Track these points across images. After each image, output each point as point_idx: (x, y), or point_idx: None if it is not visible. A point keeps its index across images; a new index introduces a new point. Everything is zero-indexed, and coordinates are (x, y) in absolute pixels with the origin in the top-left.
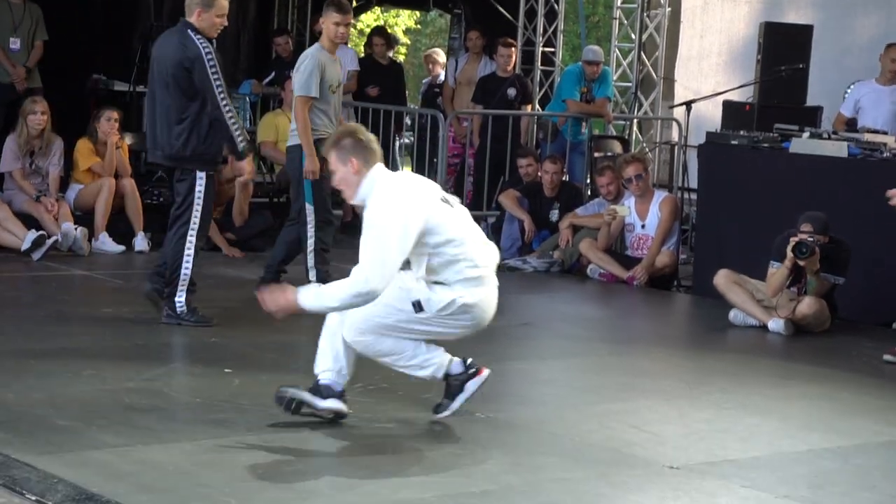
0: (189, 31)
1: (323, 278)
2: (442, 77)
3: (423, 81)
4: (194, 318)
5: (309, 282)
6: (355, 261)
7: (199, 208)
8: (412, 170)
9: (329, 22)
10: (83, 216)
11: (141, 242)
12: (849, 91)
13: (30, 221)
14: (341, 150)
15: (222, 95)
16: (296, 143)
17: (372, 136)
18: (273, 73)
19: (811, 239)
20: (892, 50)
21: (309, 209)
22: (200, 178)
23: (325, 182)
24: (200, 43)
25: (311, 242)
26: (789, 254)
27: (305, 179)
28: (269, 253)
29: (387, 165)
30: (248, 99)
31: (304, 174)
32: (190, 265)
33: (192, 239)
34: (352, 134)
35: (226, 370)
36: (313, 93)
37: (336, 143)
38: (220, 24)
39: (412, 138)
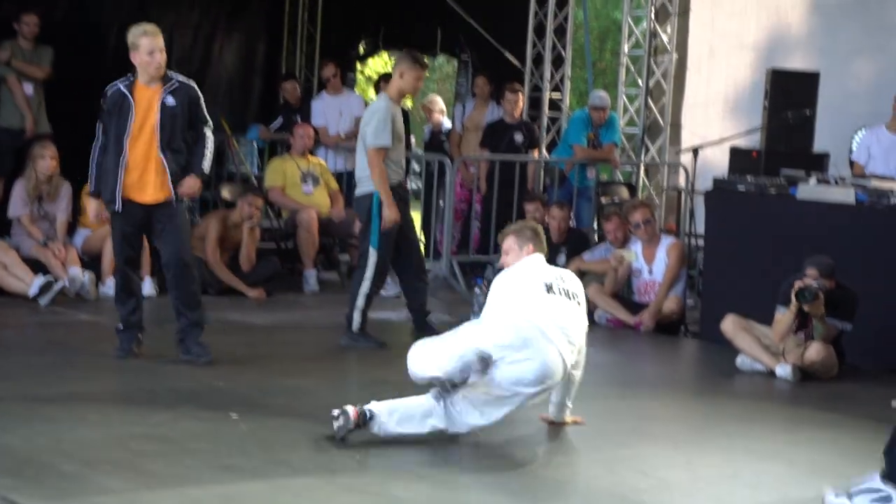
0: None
1: (364, 322)
2: (445, 124)
3: (425, 128)
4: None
5: (354, 322)
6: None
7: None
8: (421, 214)
9: (410, 76)
10: (90, 261)
11: (148, 287)
12: (857, 138)
13: (37, 267)
14: (521, 236)
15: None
16: (365, 191)
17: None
18: (280, 119)
19: (815, 284)
20: None
21: (372, 253)
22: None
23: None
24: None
25: (366, 286)
26: (793, 299)
27: (374, 225)
28: (274, 298)
29: None
30: (255, 144)
31: (383, 222)
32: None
33: None
34: (534, 227)
35: (232, 415)
36: (388, 143)
37: (519, 230)
38: (152, 61)
39: (420, 184)
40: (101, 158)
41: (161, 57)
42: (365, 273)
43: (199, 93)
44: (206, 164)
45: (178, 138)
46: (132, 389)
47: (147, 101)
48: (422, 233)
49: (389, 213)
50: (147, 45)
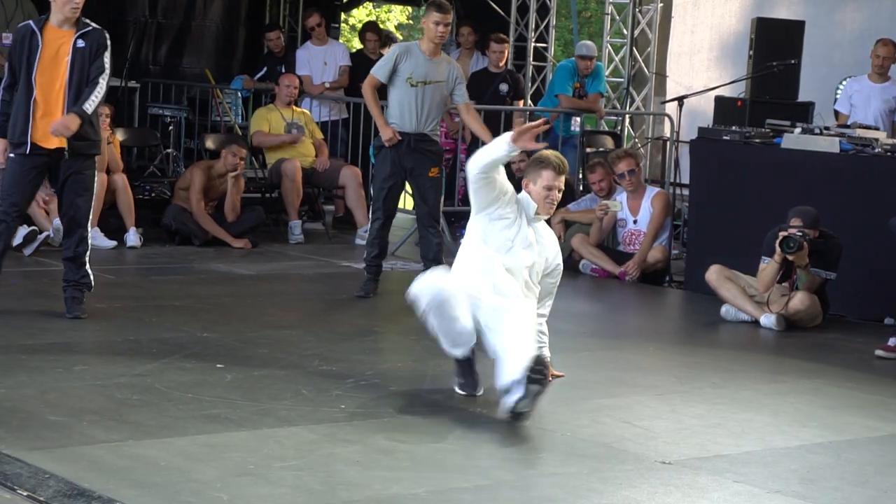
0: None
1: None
2: None
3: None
4: None
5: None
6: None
7: None
8: None
9: (429, 21)
10: None
11: (133, 238)
12: (841, 88)
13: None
14: None
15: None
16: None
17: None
18: (265, 69)
19: (799, 233)
20: (878, 45)
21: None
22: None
23: None
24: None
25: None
26: (777, 249)
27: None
28: (259, 248)
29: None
30: (239, 94)
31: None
32: None
33: None
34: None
35: (217, 365)
36: (378, 76)
37: None
38: (65, 3)
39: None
40: (6, 97)
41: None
42: None
43: (109, 42)
44: (89, 106)
45: (82, 83)
46: (117, 340)
47: (57, 43)
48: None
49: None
50: None
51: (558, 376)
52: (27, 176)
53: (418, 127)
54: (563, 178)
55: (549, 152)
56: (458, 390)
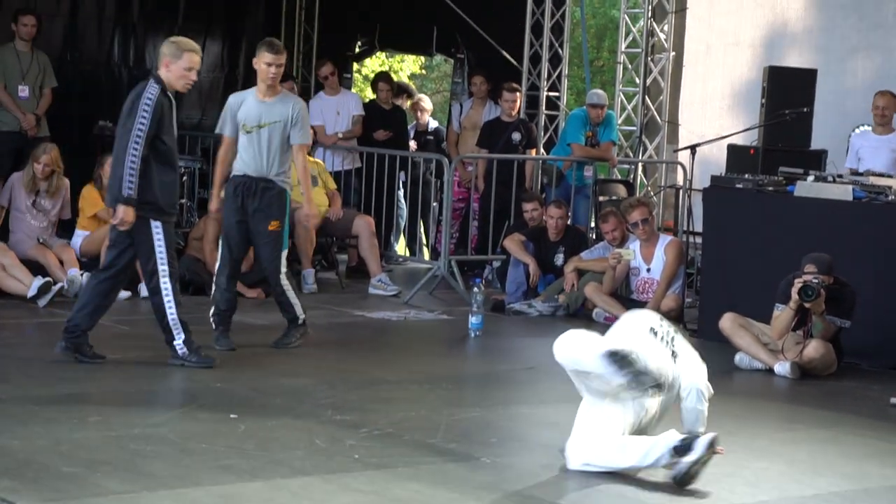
0: (153, 80)
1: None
2: (431, 123)
3: (409, 127)
4: (195, 359)
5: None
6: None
7: (163, 255)
8: (407, 212)
9: (261, 62)
10: (89, 262)
11: (147, 288)
12: (851, 140)
13: (36, 268)
14: None
15: (137, 136)
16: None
17: None
18: None
19: (816, 280)
20: (877, 97)
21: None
22: (156, 228)
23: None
24: (150, 88)
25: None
26: (794, 296)
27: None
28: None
29: (390, 208)
30: None
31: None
32: (173, 309)
33: (166, 284)
34: None
35: (231, 415)
36: (224, 132)
37: None
38: (188, 77)
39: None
40: (144, 165)
41: (196, 75)
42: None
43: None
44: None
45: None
46: (131, 390)
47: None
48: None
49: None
50: (189, 60)
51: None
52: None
53: (262, 171)
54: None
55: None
56: None
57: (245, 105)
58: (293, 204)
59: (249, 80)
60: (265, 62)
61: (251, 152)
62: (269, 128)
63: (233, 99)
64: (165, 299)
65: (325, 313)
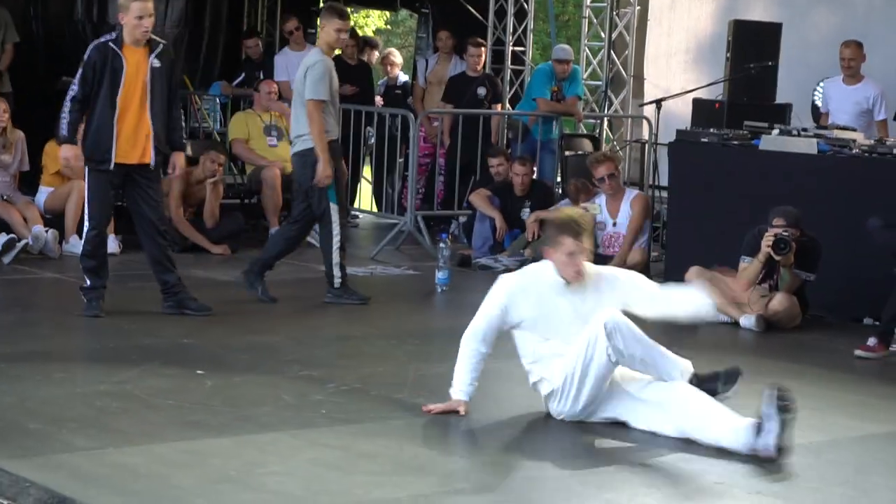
0: (104, 35)
1: (345, 276)
2: (401, 78)
3: (380, 82)
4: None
5: (334, 278)
6: None
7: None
8: (372, 168)
9: (330, 28)
10: (53, 219)
11: (112, 245)
12: (818, 89)
13: (0, 225)
14: None
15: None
16: (307, 147)
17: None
18: (243, 75)
19: (787, 233)
20: (842, 48)
21: (333, 209)
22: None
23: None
24: (91, 47)
25: (336, 240)
26: (766, 249)
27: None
28: (239, 254)
29: (357, 162)
30: (217, 100)
31: (317, 178)
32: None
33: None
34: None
35: (198, 371)
36: (325, 96)
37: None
38: (141, 25)
39: (373, 138)
40: (80, 113)
41: (149, 22)
42: (331, 228)
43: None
44: (184, 134)
45: (160, 100)
46: (97, 347)
47: (136, 63)
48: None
49: (323, 171)
50: (137, 8)
51: None
52: (110, 191)
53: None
54: (586, 240)
55: (566, 214)
56: None
57: (331, 69)
58: (261, 161)
59: (215, 36)
60: (335, 28)
61: (335, 116)
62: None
63: (325, 61)
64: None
65: (291, 269)
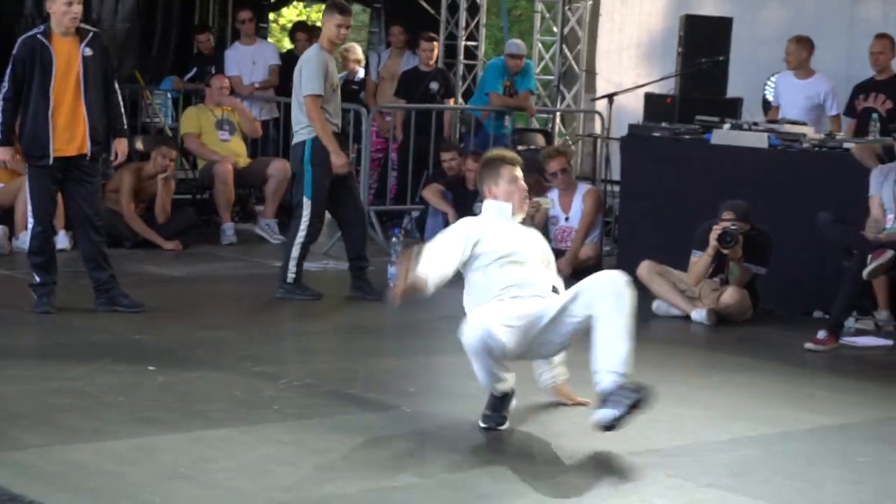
0: (34, 28)
1: (299, 273)
2: (360, 74)
3: (338, 77)
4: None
5: (288, 273)
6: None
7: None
8: None
9: (331, 23)
10: (3, 215)
11: (62, 240)
12: (771, 84)
13: None
14: None
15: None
16: (298, 140)
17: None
18: (194, 70)
19: (734, 227)
20: (787, 44)
21: (306, 203)
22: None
23: (327, 180)
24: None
25: (301, 235)
26: (713, 242)
27: (307, 174)
28: (191, 250)
29: None
30: (169, 95)
31: (334, 168)
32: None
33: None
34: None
35: (149, 368)
36: (320, 90)
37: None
38: (69, 12)
39: None
40: (13, 112)
41: (77, 8)
42: (300, 222)
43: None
44: (125, 120)
45: (95, 90)
46: (48, 343)
47: (67, 53)
48: None
49: (337, 159)
50: None
51: (582, 404)
52: (52, 186)
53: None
54: (519, 168)
55: (494, 151)
56: (481, 423)
57: (328, 63)
58: (213, 156)
59: (167, 31)
60: (335, 23)
61: (336, 110)
62: (339, 85)
63: (321, 55)
64: None
65: (245, 265)
